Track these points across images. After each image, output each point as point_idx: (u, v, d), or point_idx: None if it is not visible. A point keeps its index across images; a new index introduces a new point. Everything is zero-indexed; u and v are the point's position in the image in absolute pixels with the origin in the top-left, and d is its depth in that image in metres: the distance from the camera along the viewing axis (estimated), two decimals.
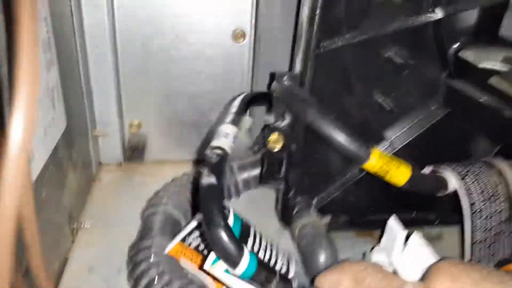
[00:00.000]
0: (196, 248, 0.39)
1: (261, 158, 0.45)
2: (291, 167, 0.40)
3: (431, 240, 0.44)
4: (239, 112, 0.39)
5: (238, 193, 0.50)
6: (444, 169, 0.37)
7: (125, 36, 0.50)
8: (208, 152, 0.34)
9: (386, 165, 0.33)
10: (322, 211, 0.43)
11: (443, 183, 0.36)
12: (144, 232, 0.40)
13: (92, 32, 0.49)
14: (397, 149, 0.41)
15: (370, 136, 0.37)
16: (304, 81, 0.36)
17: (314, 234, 0.39)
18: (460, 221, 0.38)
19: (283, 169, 0.40)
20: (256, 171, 0.49)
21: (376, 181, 0.41)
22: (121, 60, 0.51)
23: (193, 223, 0.39)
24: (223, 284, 0.32)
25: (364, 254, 0.41)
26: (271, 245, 0.37)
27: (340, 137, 0.33)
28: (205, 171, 0.31)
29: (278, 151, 0.39)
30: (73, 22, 0.45)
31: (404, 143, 0.41)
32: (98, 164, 0.57)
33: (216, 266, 0.30)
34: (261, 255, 0.34)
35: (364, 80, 0.38)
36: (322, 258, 0.38)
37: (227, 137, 0.35)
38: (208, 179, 0.31)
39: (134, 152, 0.58)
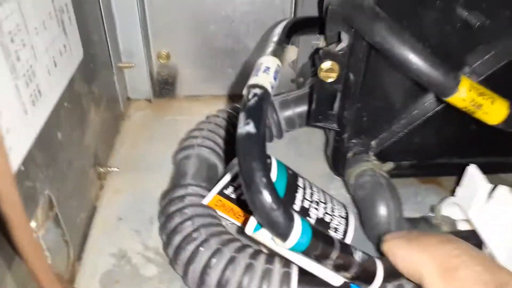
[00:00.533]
0: (238, 198, 0.34)
1: (310, 92, 0.38)
2: (348, 102, 0.33)
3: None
4: (282, 41, 0.31)
5: (280, 134, 0.43)
6: None
7: None
8: (245, 92, 0.27)
9: (479, 98, 0.25)
10: (382, 154, 0.36)
11: None
12: (177, 178, 0.35)
13: None
14: (481, 78, 0.33)
15: (448, 61, 0.29)
16: None
17: (374, 183, 0.33)
18: None
19: (337, 104, 0.33)
20: (302, 108, 0.42)
21: (450, 119, 0.34)
22: None
23: (235, 169, 0.33)
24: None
25: (432, 208, 0.35)
26: (325, 198, 0.31)
27: (420, 62, 0.25)
28: (242, 116, 0.25)
29: (331, 82, 0.32)
30: None
31: (491, 71, 0.32)
32: (126, 99, 0.52)
33: (259, 232, 0.25)
34: (313, 213, 0.28)
35: None
36: (383, 212, 0.32)
37: (267, 73, 0.27)
38: (246, 127, 0.24)
39: (164, 86, 0.52)
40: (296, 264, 0.27)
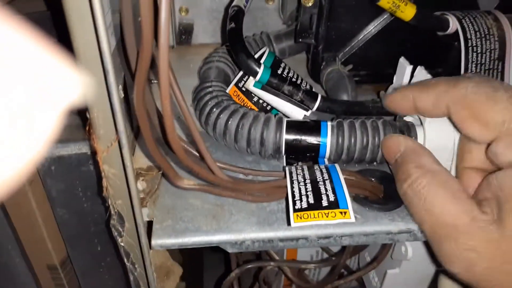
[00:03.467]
0: (246, 90, 0.49)
1: (296, 16, 0.54)
2: (321, 22, 0.49)
3: None
4: None
5: None
6: (446, 14, 0.45)
7: None
8: (230, 10, 0.45)
9: (397, 0, 0.41)
10: (346, 64, 0.52)
11: (445, 22, 0.44)
12: (202, 80, 0.51)
13: None
14: None
15: None
16: None
17: (338, 77, 0.49)
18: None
19: (314, 24, 0.49)
20: (291, 41, 0.58)
21: (393, 36, 0.50)
22: None
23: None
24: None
25: (378, 93, 0.50)
26: (300, 76, 0.47)
27: None
28: (228, 21, 0.42)
29: (310, 6, 0.48)
30: None
31: None
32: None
33: (248, 81, 0.41)
34: (292, 79, 0.45)
35: None
36: (345, 97, 0.48)
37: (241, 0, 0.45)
38: (230, 25, 0.41)
39: (183, 35, 0.68)
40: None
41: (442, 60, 0.53)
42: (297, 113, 0.45)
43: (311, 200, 0.33)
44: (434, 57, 0.53)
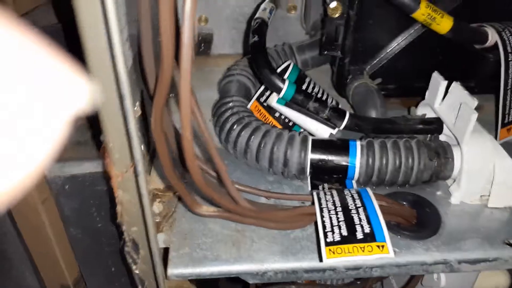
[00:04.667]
0: (268, 105, 0.47)
1: (321, 28, 0.51)
2: (348, 34, 0.46)
3: None
4: None
5: None
6: (485, 26, 0.42)
7: None
8: (252, 22, 0.42)
9: (433, 13, 0.38)
10: (373, 77, 0.49)
11: (484, 35, 0.41)
12: (223, 94, 0.49)
13: None
14: None
15: None
16: None
17: (366, 91, 0.46)
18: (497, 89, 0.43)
19: (340, 36, 0.46)
20: (314, 52, 0.55)
21: (422, 49, 0.47)
22: None
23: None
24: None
25: (409, 109, 0.47)
26: (325, 92, 0.44)
27: None
28: (251, 34, 0.39)
29: (336, 17, 0.45)
30: None
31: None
32: None
33: (270, 98, 0.38)
34: (313, 92, 0.42)
35: None
36: (373, 114, 0.45)
37: (264, 10, 0.42)
38: (253, 39, 0.39)
39: (203, 45, 0.66)
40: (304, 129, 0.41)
41: (474, 74, 0.50)
42: (323, 131, 0.42)
43: (344, 232, 0.30)
44: (466, 71, 0.49)
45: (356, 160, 0.39)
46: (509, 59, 0.41)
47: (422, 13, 0.38)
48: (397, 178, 0.39)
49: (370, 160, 0.39)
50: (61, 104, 0.11)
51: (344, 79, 0.49)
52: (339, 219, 0.31)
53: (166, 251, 0.36)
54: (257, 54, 0.40)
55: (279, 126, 0.46)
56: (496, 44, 0.41)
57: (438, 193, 0.41)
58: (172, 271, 0.33)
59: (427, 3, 0.38)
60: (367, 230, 0.30)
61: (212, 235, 0.36)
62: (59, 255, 0.48)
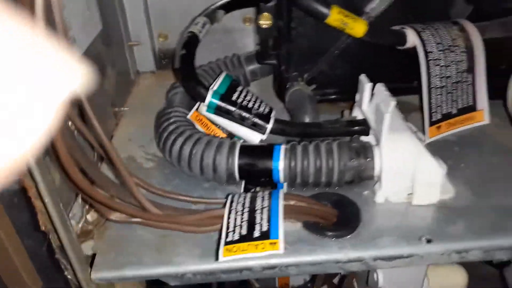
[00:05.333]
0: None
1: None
2: (280, 43, 0.47)
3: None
4: (215, 9, 0.48)
5: (247, 83, 0.58)
6: (405, 27, 0.43)
7: None
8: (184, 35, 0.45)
9: (345, 19, 0.39)
10: (312, 82, 0.50)
11: (402, 36, 0.42)
12: (167, 105, 0.51)
13: None
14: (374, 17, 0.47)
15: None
16: None
17: (299, 98, 0.47)
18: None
19: (273, 45, 0.48)
20: None
21: (360, 52, 0.48)
22: None
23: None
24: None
25: (342, 112, 0.48)
26: (259, 99, 0.46)
27: (306, 4, 0.40)
28: (179, 47, 0.41)
29: (267, 28, 0.47)
30: None
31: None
32: (137, 72, 0.68)
33: (200, 107, 0.40)
34: (244, 102, 0.43)
35: None
36: (306, 118, 0.46)
37: (196, 25, 0.44)
38: (181, 52, 0.41)
39: (164, 60, 0.68)
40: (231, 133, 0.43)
41: (415, 74, 0.51)
42: (253, 137, 0.44)
43: (244, 232, 0.32)
44: (407, 71, 0.50)
45: (280, 163, 0.40)
46: (429, 59, 0.42)
47: (334, 19, 0.39)
48: (320, 179, 0.40)
49: (293, 163, 0.40)
50: (51, 88, 0.11)
51: (283, 86, 0.50)
52: (243, 220, 0.33)
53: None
54: (184, 66, 0.42)
55: (223, 135, 0.47)
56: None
57: (365, 192, 0.42)
58: (95, 275, 0.35)
59: (339, 9, 0.40)
60: (264, 228, 0.32)
61: (138, 241, 0.38)
62: (19, 267, 0.50)
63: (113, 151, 0.31)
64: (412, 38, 0.42)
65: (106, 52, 0.54)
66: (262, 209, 0.34)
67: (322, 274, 0.52)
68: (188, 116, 0.48)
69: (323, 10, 0.39)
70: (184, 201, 0.39)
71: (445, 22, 0.44)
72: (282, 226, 0.32)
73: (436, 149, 0.46)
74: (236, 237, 0.31)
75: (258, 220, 0.33)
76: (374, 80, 0.51)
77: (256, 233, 0.31)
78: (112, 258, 0.37)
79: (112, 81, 0.56)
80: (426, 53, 0.41)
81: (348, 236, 0.37)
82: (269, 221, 0.32)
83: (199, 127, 0.48)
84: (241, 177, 0.42)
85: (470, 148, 0.47)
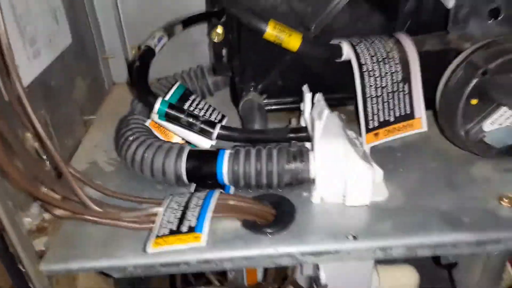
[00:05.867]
0: None
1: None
2: (231, 56, 0.51)
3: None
4: (173, 23, 0.52)
5: (210, 93, 0.62)
6: (342, 41, 0.46)
7: None
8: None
9: (280, 33, 0.43)
10: (265, 92, 0.54)
11: (338, 50, 0.45)
12: (129, 113, 0.54)
13: None
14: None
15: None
16: None
17: (249, 107, 0.50)
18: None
19: (226, 57, 0.51)
20: None
21: (307, 64, 0.52)
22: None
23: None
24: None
25: (290, 120, 0.52)
26: (211, 108, 0.49)
27: (246, 20, 0.43)
28: (136, 59, 0.45)
29: (219, 41, 0.50)
30: None
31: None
32: (112, 83, 0.72)
33: (151, 115, 0.44)
34: (196, 111, 0.47)
35: None
36: (255, 126, 0.50)
37: (153, 39, 0.48)
38: (136, 64, 0.44)
39: None
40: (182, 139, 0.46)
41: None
42: (204, 143, 0.47)
43: (174, 227, 0.35)
44: (351, 82, 0.53)
45: (223, 167, 0.43)
46: (363, 70, 0.45)
47: (271, 34, 0.43)
48: (261, 182, 0.43)
49: (236, 167, 0.43)
50: None
51: (238, 96, 0.54)
52: (176, 217, 0.36)
53: None
54: (136, 77, 0.46)
55: (181, 141, 0.51)
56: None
57: (305, 194, 0.45)
58: (43, 267, 0.38)
59: (275, 24, 0.43)
60: (192, 224, 0.35)
61: (88, 237, 0.41)
62: None
63: (55, 151, 0.34)
64: (347, 51, 0.45)
65: (76, 64, 0.58)
66: (195, 207, 0.37)
67: (273, 270, 0.54)
68: (147, 124, 0.51)
69: (260, 25, 0.43)
70: (129, 201, 0.42)
71: (381, 36, 0.47)
72: (208, 222, 0.35)
73: (380, 154, 0.49)
74: (166, 232, 0.34)
75: (189, 217, 0.36)
76: (323, 90, 0.55)
77: (184, 228, 0.34)
78: (61, 252, 0.39)
79: (82, 91, 0.59)
80: (360, 65, 0.45)
81: (281, 233, 0.40)
82: (198, 218, 0.35)
83: (158, 134, 0.51)
84: (189, 180, 0.45)
85: (412, 154, 0.50)
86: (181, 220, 0.36)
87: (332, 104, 0.55)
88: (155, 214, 0.37)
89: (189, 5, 0.65)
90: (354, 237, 0.39)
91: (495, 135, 0.41)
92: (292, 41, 0.43)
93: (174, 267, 0.38)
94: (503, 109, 0.41)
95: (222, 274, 0.67)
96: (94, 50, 0.66)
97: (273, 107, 0.55)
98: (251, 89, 0.53)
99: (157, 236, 0.34)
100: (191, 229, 0.34)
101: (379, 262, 0.55)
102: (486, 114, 0.41)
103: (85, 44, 0.62)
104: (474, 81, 0.39)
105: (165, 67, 0.70)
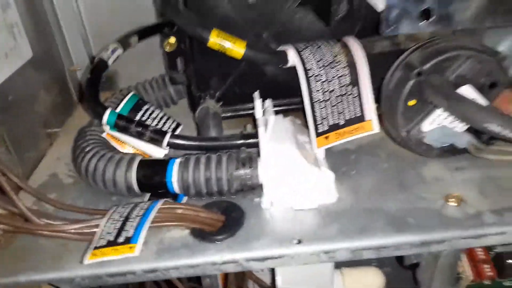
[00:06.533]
0: None
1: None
2: (185, 65, 0.51)
3: None
4: (128, 35, 0.52)
5: (173, 102, 0.62)
6: (288, 47, 0.47)
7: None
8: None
9: (224, 41, 0.43)
10: (221, 99, 0.54)
11: (283, 56, 0.46)
12: (87, 125, 0.55)
13: None
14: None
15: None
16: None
17: (204, 114, 0.51)
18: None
19: (180, 66, 0.52)
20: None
21: (260, 71, 0.52)
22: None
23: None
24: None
25: (245, 126, 0.52)
26: (165, 116, 0.49)
27: (190, 29, 0.44)
28: (90, 71, 0.46)
29: (173, 51, 0.51)
30: None
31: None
32: (79, 93, 0.72)
33: (104, 127, 0.44)
34: (148, 120, 0.47)
35: None
36: (210, 133, 0.50)
37: (107, 51, 0.48)
38: (88, 76, 0.45)
39: (106, 82, 0.73)
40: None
41: None
42: (156, 152, 0.47)
43: (112, 238, 0.35)
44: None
45: (173, 176, 0.44)
46: (309, 75, 0.45)
47: (214, 42, 0.43)
48: (212, 189, 0.44)
49: (185, 175, 0.43)
50: None
51: (196, 103, 0.54)
52: (115, 228, 0.36)
53: None
54: (87, 89, 0.46)
55: (138, 152, 0.51)
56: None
57: (256, 199, 0.45)
58: None
59: (218, 32, 0.44)
60: (129, 235, 0.35)
61: (40, 249, 0.41)
62: None
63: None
64: (292, 57, 0.46)
65: (39, 77, 0.59)
66: (135, 217, 0.37)
67: (233, 277, 0.54)
68: (103, 135, 0.52)
69: (203, 34, 0.43)
70: (80, 213, 0.42)
71: (329, 40, 0.47)
72: (144, 232, 0.35)
73: (335, 157, 0.50)
74: (104, 243, 0.35)
75: (127, 227, 0.36)
76: (281, 95, 0.55)
77: (121, 239, 0.35)
78: (11, 265, 0.40)
79: (46, 104, 0.60)
80: (306, 70, 0.45)
81: (228, 240, 0.40)
82: (136, 228, 0.36)
83: (116, 145, 0.52)
84: (142, 190, 0.45)
85: (365, 156, 0.50)
86: (120, 231, 0.36)
87: (290, 109, 0.56)
88: (97, 226, 0.37)
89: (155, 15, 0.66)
90: (299, 242, 0.39)
91: (433, 135, 0.42)
92: (236, 49, 0.44)
93: (120, 277, 0.39)
94: (441, 109, 0.41)
95: (196, 281, 0.68)
96: (60, 63, 0.66)
97: (231, 114, 0.55)
98: (208, 97, 0.53)
99: (95, 248, 0.35)
100: (127, 240, 0.35)
101: (344, 264, 0.55)
102: (424, 115, 0.41)
103: (51, 57, 0.63)
104: (411, 82, 0.39)
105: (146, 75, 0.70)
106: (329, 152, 0.49)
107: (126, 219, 0.37)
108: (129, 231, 0.36)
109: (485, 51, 0.39)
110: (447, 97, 0.37)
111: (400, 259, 0.55)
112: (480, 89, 0.39)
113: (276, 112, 0.48)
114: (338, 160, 0.50)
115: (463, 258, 0.50)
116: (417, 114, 0.42)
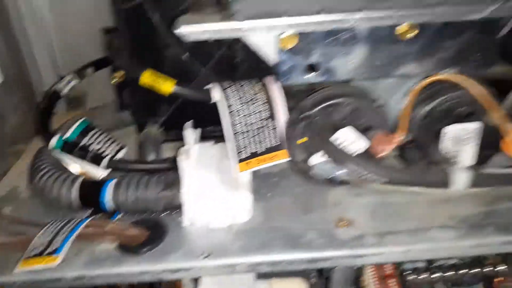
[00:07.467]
0: None
1: None
2: (132, 94, 0.59)
3: None
4: (85, 67, 0.60)
5: (125, 125, 0.69)
6: (214, 85, 0.53)
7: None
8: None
9: (154, 80, 0.50)
10: (163, 126, 0.61)
11: (207, 94, 0.52)
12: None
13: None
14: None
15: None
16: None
17: (145, 139, 0.58)
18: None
19: (127, 96, 0.59)
20: None
21: (192, 104, 0.59)
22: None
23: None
24: None
25: (178, 149, 0.59)
26: (111, 140, 0.57)
27: (124, 68, 0.51)
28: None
29: (117, 82, 0.58)
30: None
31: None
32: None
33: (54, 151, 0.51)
34: (92, 146, 0.54)
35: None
36: (149, 157, 0.57)
37: (61, 83, 0.56)
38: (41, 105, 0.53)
39: (77, 102, 0.80)
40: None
41: None
42: (98, 174, 0.54)
43: (42, 248, 0.42)
44: None
45: (106, 196, 0.51)
46: (231, 111, 0.52)
47: (146, 80, 0.50)
48: (139, 208, 0.51)
49: (115, 196, 0.50)
50: None
51: (140, 129, 0.61)
52: (47, 239, 0.43)
53: None
54: (39, 118, 0.53)
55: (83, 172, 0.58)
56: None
57: (179, 218, 0.52)
58: None
59: (151, 72, 0.51)
60: (55, 247, 0.42)
61: None
62: None
63: None
64: (216, 94, 0.52)
65: (8, 99, 0.66)
66: (65, 231, 0.44)
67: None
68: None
69: (135, 71, 0.50)
70: (26, 226, 0.50)
71: (251, 80, 0.54)
72: (69, 245, 0.42)
73: (260, 179, 0.56)
74: (35, 252, 0.42)
75: (56, 239, 0.43)
76: (217, 123, 0.62)
77: (49, 250, 0.42)
78: None
79: (14, 123, 0.67)
80: (229, 105, 0.52)
81: (147, 253, 0.47)
82: (62, 241, 0.43)
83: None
84: (84, 206, 0.52)
85: (285, 180, 0.57)
86: (50, 242, 0.43)
87: None
88: (33, 237, 0.44)
89: None
90: (206, 256, 0.46)
91: (320, 168, 0.48)
92: (164, 87, 0.51)
93: (51, 283, 0.46)
94: None
95: None
96: (30, 84, 0.74)
97: (173, 138, 0.62)
98: (150, 123, 0.60)
99: (26, 258, 0.42)
100: (53, 251, 0.42)
101: (273, 275, 0.62)
102: (314, 150, 0.48)
103: (21, 79, 0.70)
104: (302, 123, 0.46)
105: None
106: (256, 174, 0.55)
107: (57, 232, 0.44)
108: (57, 243, 0.42)
109: (364, 98, 0.45)
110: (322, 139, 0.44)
111: (319, 270, 0.62)
112: (362, 130, 0.45)
113: (215, 137, 0.55)
114: (261, 183, 0.56)
115: (368, 273, 0.56)
116: (308, 150, 0.49)
